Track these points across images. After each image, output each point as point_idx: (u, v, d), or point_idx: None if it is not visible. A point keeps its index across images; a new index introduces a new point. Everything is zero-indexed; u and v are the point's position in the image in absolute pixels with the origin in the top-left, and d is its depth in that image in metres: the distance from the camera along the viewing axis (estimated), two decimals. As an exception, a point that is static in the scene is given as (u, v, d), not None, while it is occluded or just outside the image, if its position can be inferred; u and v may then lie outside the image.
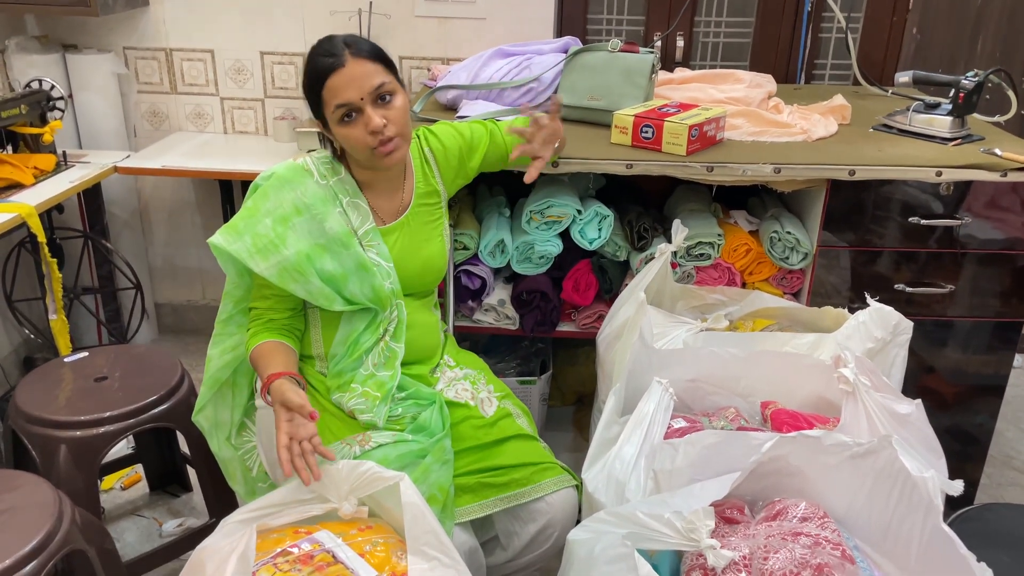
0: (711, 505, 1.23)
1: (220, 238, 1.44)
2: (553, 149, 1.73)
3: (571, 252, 1.97)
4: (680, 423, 1.55)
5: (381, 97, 1.44)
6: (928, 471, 1.21)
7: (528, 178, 1.68)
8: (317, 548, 1.22)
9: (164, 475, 2.29)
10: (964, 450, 2.09)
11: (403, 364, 1.54)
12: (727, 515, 1.32)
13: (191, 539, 1.98)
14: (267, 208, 1.46)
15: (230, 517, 1.30)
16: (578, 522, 1.52)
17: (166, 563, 1.96)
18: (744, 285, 2.00)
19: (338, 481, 1.32)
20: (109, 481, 2.30)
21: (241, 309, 1.57)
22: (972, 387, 2.04)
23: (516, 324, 2.02)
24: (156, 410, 1.83)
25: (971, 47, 2.77)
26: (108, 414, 1.77)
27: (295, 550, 1.22)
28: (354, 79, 1.41)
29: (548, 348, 2.27)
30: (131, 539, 2.12)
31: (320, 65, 1.42)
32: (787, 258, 1.94)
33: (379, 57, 1.45)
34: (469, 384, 1.62)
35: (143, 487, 2.31)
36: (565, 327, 2.05)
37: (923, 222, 1.87)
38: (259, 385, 1.52)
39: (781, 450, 1.32)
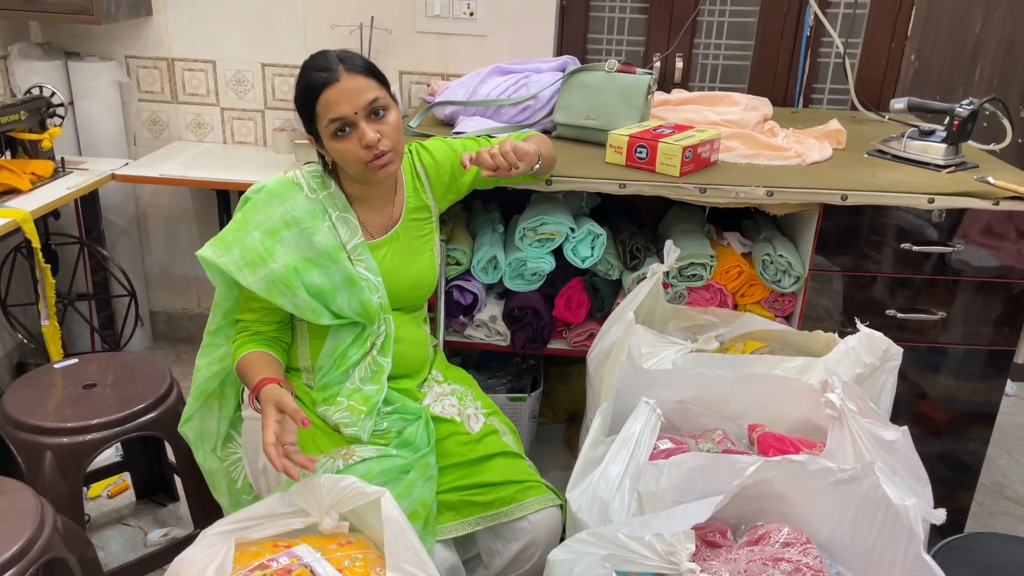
0: (693, 528, 1.23)
1: (209, 250, 1.44)
2: (528, 166, 1.65)
3: (564, 270, 1.98)
4: (666, 444, 1.54)
5: (375, 112, 1.45)
6: (910, 499, 1.20)
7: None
8: (295, 562, 1.22)
9: (151, 484, 2.28)
10: (955, 477, 2.07)
11: (390, 378, 1.54)
12: (709, 538, 1.31)
13: (175, 549, 1.95)
14: (256, 221, 1.46)
15: (210, 529, 1.29)
16: (561, 541, 1.52)
17: (149, 573, 1.95)
18: (736, 307, 2.00)
19: (319, 495, 1.31)
20: (96, 489, 2.29)
21: (230, 321, 1.57)
22: (963, 414, 2.03)
23: (507, 340, 2.01)
24: (143, 419, 1.82)
25: (969, 74, 2.78)
26: (95, 421, 1.76)
27: (273, 564, 1.21)
28: (348, 93, 1.42)
29: (539, 365, 2.27)
30: (116, 548, 2.11)
31: (314, 80, 1.43)
32: (779, 281, 1.94)
33: (372, 72, 1.46)
34: (456, 400, 1.62)
35: (130, 495, 2.30)
36: (556, 344, 2.05)
37: (915, 248, 1.87)
38: (246, 394, 1.52)
39: (765, 474, 1.31)
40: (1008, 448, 2.64)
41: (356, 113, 1.43)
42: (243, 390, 1.62)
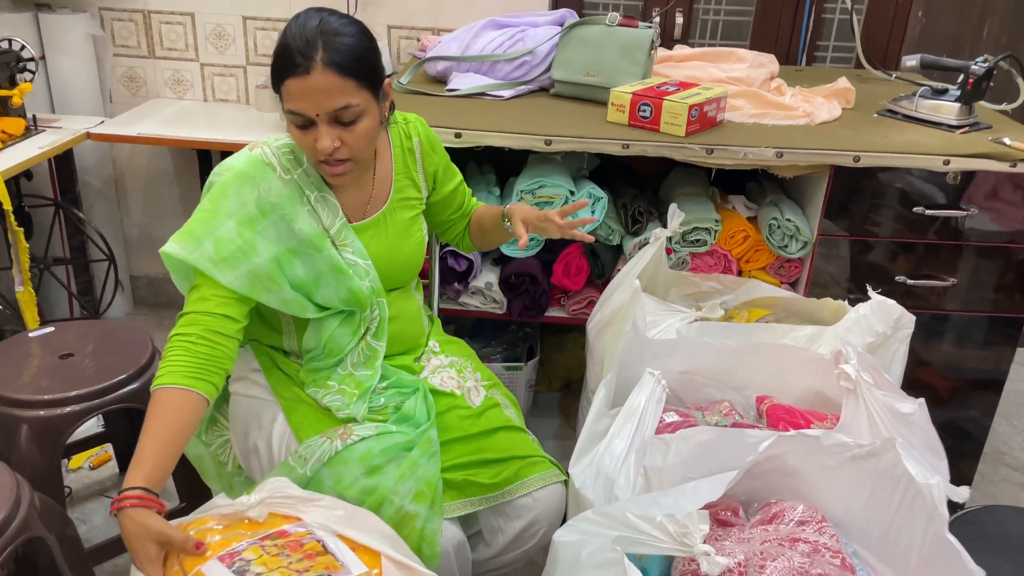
0: (704, 507, 1.17)
1: (176, 246, 1.28)
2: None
3: (562, 234, 1.89)
4: (672, 417, 1.48)
5: (341, 120, 1.26)
6: (934, 477, 1.15)
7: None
8: (307, 536, 1.14)
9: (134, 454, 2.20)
10: (958, 446, 2.04)
11: (386, 357, 1.46)
12: (720, 517, 1.25)
13: (166, 519, 1.90)
14: (228, 209, 1.30)
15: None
16: (565, 518, 1.46)
17: (134, 548, 1.88)
18: (740, 273, 1.94)
19: None
20: (77, 460, 2.22)
21: None
22: (970, 382, 1.99)
23: (503, 308, 1.94)
24: (124, 390, 1.74)
25: (977, 32, 2.69)
26: (73, 393, 1.68)
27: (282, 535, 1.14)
28: (314, 92, 1.22)
29: (536, 333, 2.20)
30: (98, 521, 2.05)
31: (284, 60, 1.23)
32: (786, 246, 1.87)
33: (356, 71, 1.24)
34: (455, 372, 1.54)
35: (113, 467, 2.23)
36: (554, 312, 1.98)
37: (928, 212, 1.80)
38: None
39: (778, 449, 1.25)
40: (1008, 415, 2.61)
41: (318, 115, 1.24)
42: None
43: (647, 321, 1.72)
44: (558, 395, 2.42)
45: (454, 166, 1.58)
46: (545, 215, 1.47)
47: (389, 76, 1.38)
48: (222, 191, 1.31)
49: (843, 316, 1.67)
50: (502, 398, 1.55)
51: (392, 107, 1.44)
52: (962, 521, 1.48)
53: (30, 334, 1.87)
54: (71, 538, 1.51)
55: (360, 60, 1.24)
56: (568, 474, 1.44)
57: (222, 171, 1.34)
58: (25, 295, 2.16)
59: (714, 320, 1.77)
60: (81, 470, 2.22)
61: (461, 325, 2.21)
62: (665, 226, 1.78)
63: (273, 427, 1.40)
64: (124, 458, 2.21)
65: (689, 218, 1.85)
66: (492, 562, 1.46)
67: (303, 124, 1.26)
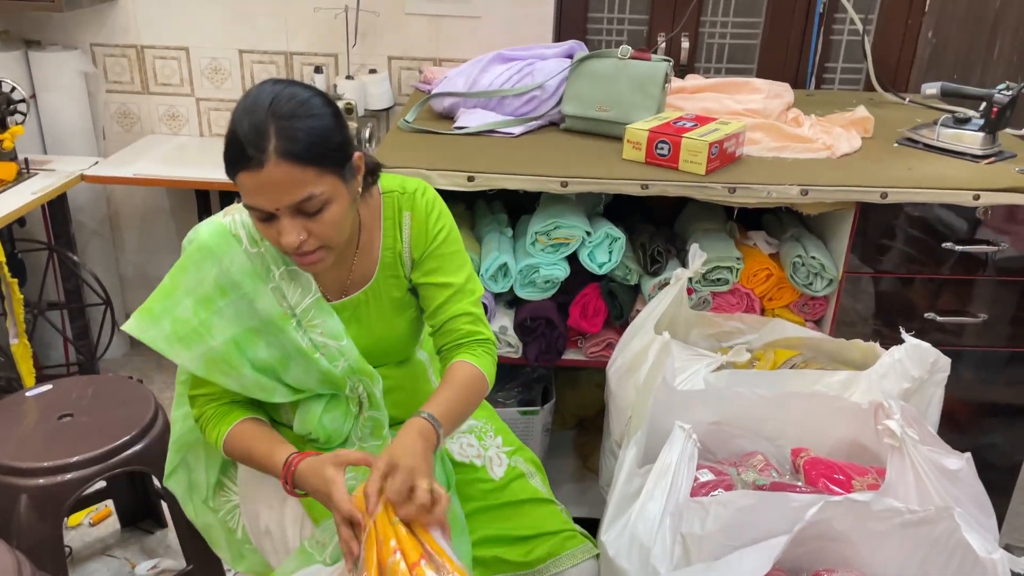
0: (752, 582, 1.11)
1: (134, 324, 1.22)
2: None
3: (578, 275, 1.83)
4: (707, 475, 1.41)
5: (305, 211, 1.12)
6: (996, 551, 1.09)
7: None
8: None
9: (136, 510, 2.13)
10: (990, 487, 1.97)
11: (394, 424, 1.35)
12: (768, 591, 1.19)
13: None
14: (187, 287, 1.22)
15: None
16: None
17: (140, 613, 1.81)
18: (763, 311, 1.88)
19: None
20: (76, 517, 2.14)
21: None
22: (1004, 420, 1.92)
23: (519, 353, 1.87)
24: (127, 452, 1.67)
25: (988, 52, 2.64)
26: (74, 459, 1.61)
27: None
28: (270, 187, 1.08)
29: (550, 374, 2.13)
30: (101, 583, 1.97)
31: (234, 152, 1.09)
32: (811, 284, 1.81)
33: (316, 157, 1.09)
34: (475, 439, 1.46)
35: (114, 523, 2.15)
36: (572, 355, 1.91)
37: (958, 248, 1.74)
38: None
39: (825, 514, 1.19)
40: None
41: (278, 209, 1.11)
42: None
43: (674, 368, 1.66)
44: (572, 433, 2.35)
45: (461, 262, 1.33)
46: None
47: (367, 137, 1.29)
48: (182, 266, 1.24)
49: (874, 358, 1.61)
50: (526, 465, 1.47)
51: (375, 171, 1.29)
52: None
53: (27, 393, 1.79)
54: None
55: (320, 144, 1.10)
56: (597, 544, 1.38)
57: (190, 239, 1.26)
58: (20, 348, 2.08)
59: (740, 365, 1.71)
60: (81, 527, 2.13)
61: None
62: (685, 264, 1.72)
63: (284, 508, 1.32)
64: (125, 514, 2.13)
65: (710, 257, 1.79)
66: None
67: (264, 218, 1.13)
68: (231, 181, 1.12)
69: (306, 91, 1.13)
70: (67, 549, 2.03)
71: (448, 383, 1.26)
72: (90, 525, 2.14)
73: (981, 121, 1.86)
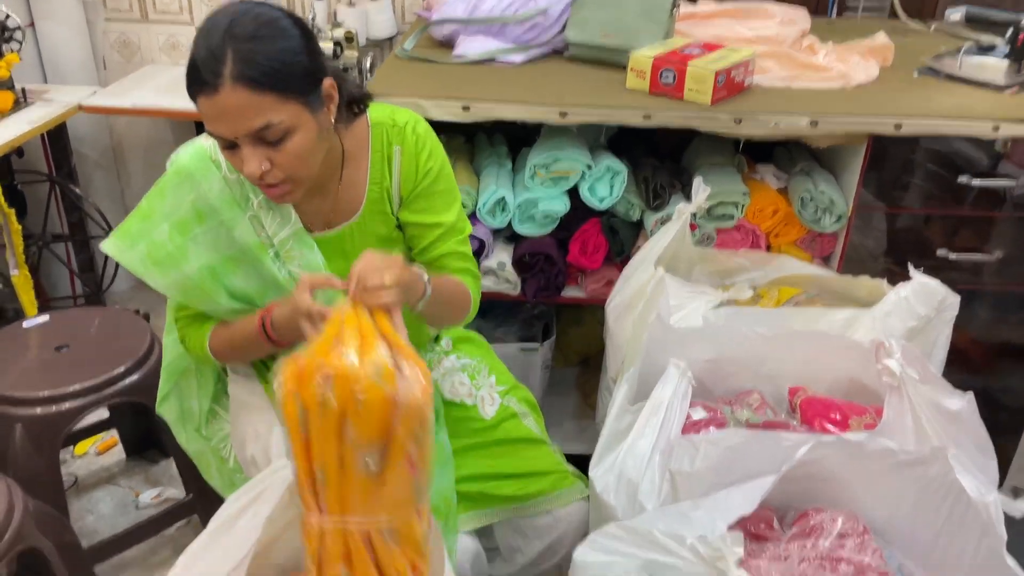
0: (738, 520, 1.09)
1: (112, 245, 1.20)
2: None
3: (579, 211, 1.78)
4: (700, 413, 1.39)
5: (265, 139, 1.06)
6: (990, 493, 1.05)
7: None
8: None
9: (141, 440, 2.15)
10: (998, 427, 1.94)
11: None
12: (753, 530, 1.17)
13: (171, 514, 1.85)
14: (164, 211, 1.18)
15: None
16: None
17: (144, 541, 1.83)
18: (769, 248, 1.82)
19: None
20: (83, 446, 2.16)
21: None
22: (1017, 361, 1.87)
23: (517, 289, 1.84)
24: (123, 383, 1.67)
25: (1021, -23, 2.50)
26: (69, 389, 1.61)
27: None
28: (227, 113, 1.03)
29: (552, 310, 2.10)
30: (106, 510, 2.00)
31: (192, 75, 1.03)
32: (819, 220, 1.75)
33: (275, 83, 1.03)
34: (467, 377, 1.44)
35: (119, 452, 2.17)
36: (571, 292, 1.88)
37: (975, 182, 1.67)
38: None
39: (816, 454, 1.16)
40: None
41: (236, 137, 1.05)
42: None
43: (670, 305, 1.62)
44: (576, 370, 2.33)
45: (451, 200, 1.29)
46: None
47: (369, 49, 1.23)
48: (160, 189, 1.20)
49: (880, 296, 1.56)
50: (519, 405, 1.45)
51: (362, 101, 1.22)
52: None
53: (24, 324, 1.79)
54: (70, 545, 1.45)
55: (282, 69, 1.03)
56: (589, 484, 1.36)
57: (171, 161, 1.22)
58: (20, 279, 2.08)
59: (742, 302, 1.66)
60: (87, 456, 2.16)
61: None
62: (689, 199, 1.67)
63: (271, 437, 1.32)
64: (130, 444, 2.15)
65: (715, 192, 1.72)
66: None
67: (227, 145, 1.08)
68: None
69: (275, 11, 1.07)
70: (72, 478, 2.07)
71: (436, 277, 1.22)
72: (96, 454, 2.17)
73: (1006, 49, 1.76)
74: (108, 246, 1.21)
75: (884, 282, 1.60)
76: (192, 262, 1.19)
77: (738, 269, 1.78)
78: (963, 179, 1.68)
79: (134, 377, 1.69)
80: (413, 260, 1.34)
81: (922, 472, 1.13)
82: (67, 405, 1.60)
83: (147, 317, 1.61)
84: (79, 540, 1.47)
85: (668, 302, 1.45)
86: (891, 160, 1.68)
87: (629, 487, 1.27)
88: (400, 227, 1.32)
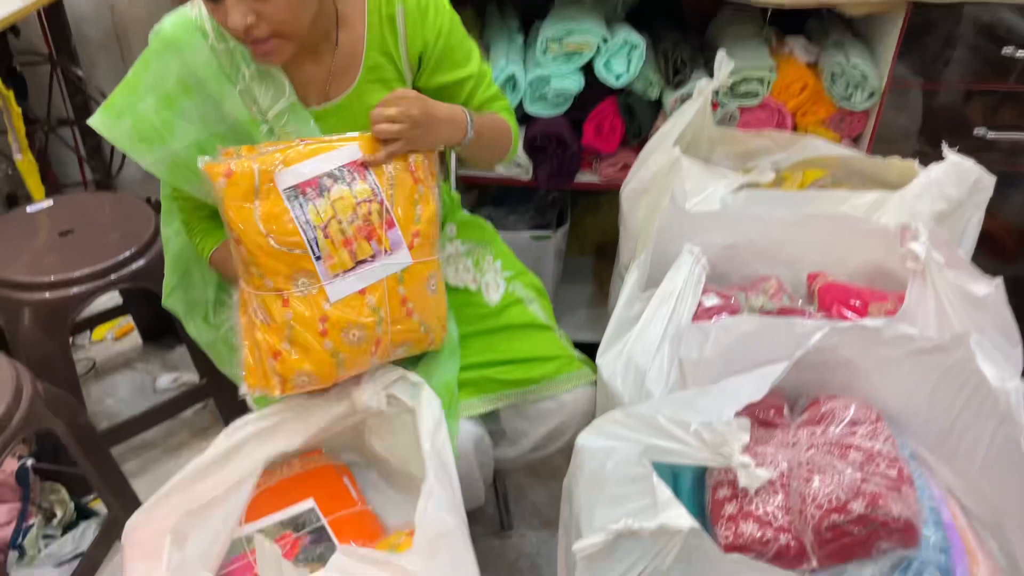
0: (746, 407, 1.06)
1: (99, 120, 1.14)
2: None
3: (594, 89, 1.69)
4: (712, 300, 1.34)
5: None
6: (1012, 379, 1.01)
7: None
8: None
9: (156, 326, 2.16)
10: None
11: None
12: (761, 416, 1.14)
13: (188, 396, 1.87)
14: (148, 83, 1.12)
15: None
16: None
17: (161, 423, 1.86)
18: (796, 128, 1.72)
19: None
20: (100, 332, 2.19)
21: None
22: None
23: (529, 174, 1.77)
24: (129, 268, 1.65)
25: None
26: (76, 274, 1.60)
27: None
28: None
29: (566, 197, 2.03)
30: (124, 394, 2.03)
31: None
32: (850, 97, 1.64)
33: None
34: (471, 264, 1.40)
35: (136, 338, 2.19)
36: (585, 177, 1.81)
37: (1019, 54, 1.55)
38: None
39: (830, 341, 1.12)
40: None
41: None
42: None
43: (687, 189, 1.55)
44: (591, 259, 2.29)
45: (468, 49, 1.25)
46: None
47: None
48: (144, 61, 1.14)
49: (911, 178, 1.48)
50: (525, 291, 1.41)
51: None
52: None
53: (28, 209, 1.77)
54: (83, 426, 1.47)
55: None
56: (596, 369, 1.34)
57: (155, 31, 1.15)
58: (25, 164, 2.04)
59: (763, 186, 1.59)
60: (104, 342, 2.19)
61: (484, 190, 2.05)
62: (711, 76, 1.57)
63: None
64: (146, 328, 2.17)
65: (739, 67, 1.62)
66: (517, 460, 1.38)
67: None
68: None
69: None
70: (91, 363, 2.10)
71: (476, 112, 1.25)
72: (113, 340, 2.19)
73: (1068, -96, 1.59)
74: (95, 121, 1.16)
75: (916, 163, 1.51)
76: (180, 139, 1.14)
77: (761, 150, 1.69)
78: (1007, 51, 1.55)
79: (140, 263, 1.67)
80: None
81: (942, 359, 1.08)
82: (74, 290, 1.59)
83: (158, 205, 1.58)
84: (92, 422, 1.49)
85: (684, 184, 1.38)
86: (931, 30, 1.56)
87: (637, 374, 1.24)
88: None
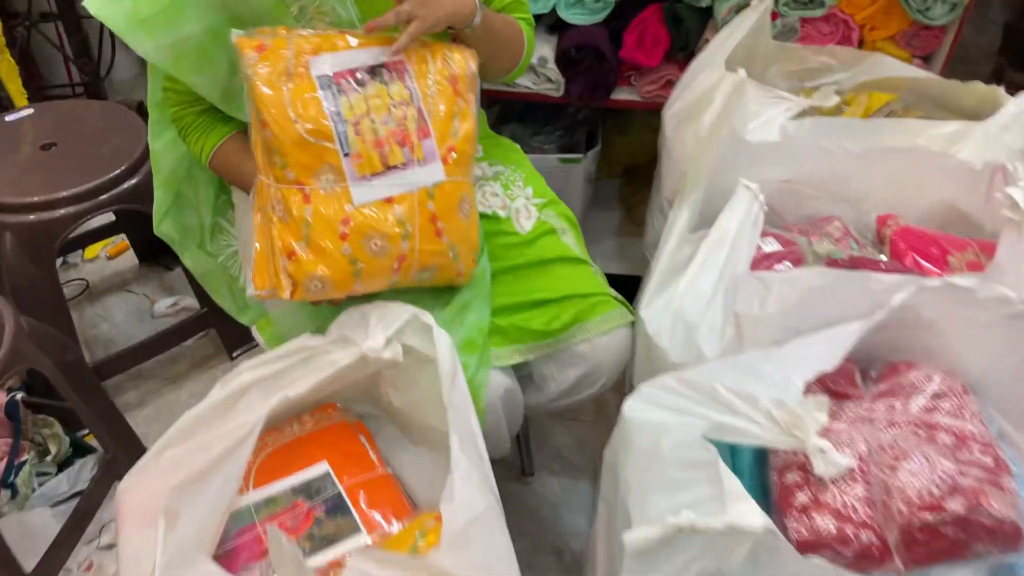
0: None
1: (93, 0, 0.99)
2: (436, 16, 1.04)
3: (637, -7, 1.49)
4: (772, 245, 1.20)
5: None
6: None
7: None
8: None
9: (153, 246, 2.02)
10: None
11: None
12: (831, 385, 1.01)
13: (188, 326, 1.75)
14: None
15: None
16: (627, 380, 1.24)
17: (161, 353, 1.74)
18: (862, 44, 1.54)
19: (357, 320, 1.03)
20: (93, 250, 2.05)
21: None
22: None
23: (560, 89, 1.59)
24: (120, 188, 1.51)
25: None
26: (63, 194, 1.45)
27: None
28: None
29: (598, 115, 1.85)
30: (120, 318, 1.91)
31: None
32: (928, 9, 1.45)
33: None
34: (500, 188, 1.25)
35: (131, 258, 2.06)
36: (623, 95, 1.63)
37: None
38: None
39: (914, 300, 0.98)
40: None
41: None
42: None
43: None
44: (618, 182, 2.12)
45: None
46: None
47: None
48: None
49: (994, 107, 1.31)
50: (558, 220, 1.27)
51: None
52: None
53: (7, 118, 1.60)
54: (73, 363, 1.35)
55: None
56: (634, 312, 1.21)
57: None
58: (4, 64, 1.86)
59: (825, 111, 1.42)
60: (98, 260, 2.05)
61: (507, 106, 1.87)
62: (772, -18, 1.38)
63: None
64: (142, 248, 2.03)
65: (805, -29, 1.42)
66: (544, 406, 1.27)
67: None
68: None
69: None
70: (83, 283, 1.97)
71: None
72: (107, 259, 2.06)
73: None
74: (89, 1, 1.00)
75: (1001, 90, 1.34)
76: (191, 22, 1.00)
77: (822, 69, 1.51)
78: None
79: (133, 181, 1.53)
80: None
81: (1042, 326, 0.95)
82: (60, 212, 1.45)
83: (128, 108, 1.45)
84: (85, 351, 1.37)
85: (746, 112, 1.21)
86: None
87: (686, 329, 1.11)
88: None
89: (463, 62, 1.08)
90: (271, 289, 1.01)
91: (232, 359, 1.79)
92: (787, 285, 1.05)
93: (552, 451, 1.62)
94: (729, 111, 1.21)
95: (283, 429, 1.08)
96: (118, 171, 1.50)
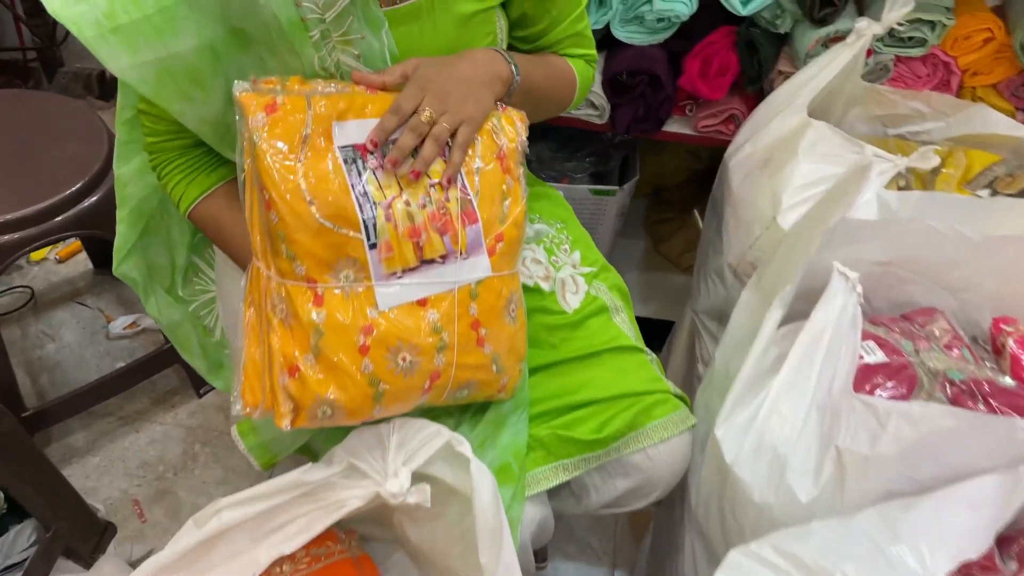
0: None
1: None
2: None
3: (708, 11, 1.25)
4: (874, 353, 0.99)
5: None
6: None
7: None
8: None
9: (110, 251, 1.75)
10: None
11: None
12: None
13: (152, 361, 1.49)
14: None
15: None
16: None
17: (123, 391, 1.48)
18: (959, 90, 1.32)
19: (382, 442, 0.81)
20: (40, 252, 1.78)
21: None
22: None
23: (604, 116, 1.36)
24: (75, 210, 1.26)
25: None
26: (2, 219, 1.19)
27: None
28: None
29: (635, 139, 1.62)
30: (70, 337, 1.65)
31: None
32: (1045, 59, 1.24)
33: None
34: (544, 254, 1.03)
35: (84, 262, 1.79)
36: (673, 125, 1.39)
37: None
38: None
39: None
40: None
41: None
42: None
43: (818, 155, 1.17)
44: (644, 203, 1.90)
45: None
46: None
47: None
48: None
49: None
50: (609, 295, 1.05)
51: None
52: None
53: (-64, 110, 1.33)
54: (4, 434, 1.11)
55: None
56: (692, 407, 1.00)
57: None
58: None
59: (921, 172, 1.21)
60: (46, 263, 1.79)
61: (534, 129, 1.61)
62: (862, 13, 1.16)
63: None
64: (98, 254, 1.76)
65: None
66: (575, 514, 1.06)
67: None
68: None
69: None
70: (28, 292, 1.71)
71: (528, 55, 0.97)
72: (57, 262, 1.79)
73: None
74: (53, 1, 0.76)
75: None
76: (184, 37, 0.77)
77: (913, 116, 1.30)
78: None
79: (91, 200, 1.27)
80: (511, 47, 1.00)
81: None
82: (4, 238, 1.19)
83: (113, 87, 1.19)
84: (18, 426, 1.12)
85: (869, 197, 1.00)
86: None
87: (774, 460, 0.90)
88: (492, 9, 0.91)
89: (513, 132, 0.85)
90: (266, 410, 0.78)
91: (200, 396, 1.56)
92: (906, 422, 0.85)
93: (565, 530, 1.43)
94: (848, 187, 0.99)
95: (271, 570, 0.86)
96: (72, 189, 1.25)
